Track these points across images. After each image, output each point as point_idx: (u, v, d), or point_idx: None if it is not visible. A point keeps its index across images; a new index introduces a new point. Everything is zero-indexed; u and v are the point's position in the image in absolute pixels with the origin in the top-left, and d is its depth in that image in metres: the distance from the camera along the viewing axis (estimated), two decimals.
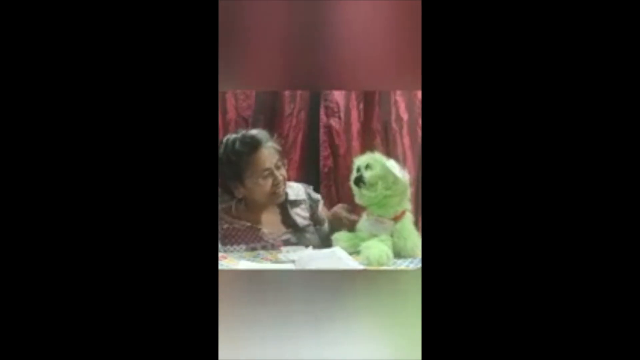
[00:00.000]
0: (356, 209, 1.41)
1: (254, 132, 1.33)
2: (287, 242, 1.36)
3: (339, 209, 1.42)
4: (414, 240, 1.20)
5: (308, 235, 1.40)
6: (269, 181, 1.29)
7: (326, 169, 1.72)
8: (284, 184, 1.34)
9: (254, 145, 1.28)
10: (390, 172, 1.20)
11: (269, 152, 1.30)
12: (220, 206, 1.34)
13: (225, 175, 1.29)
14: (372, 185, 1.21)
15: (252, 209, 1.37)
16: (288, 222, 1.39)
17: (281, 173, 1.32)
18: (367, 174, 1.21)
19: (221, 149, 1.30)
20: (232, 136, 1.33)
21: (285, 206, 1.39)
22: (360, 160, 1.26)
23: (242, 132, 1.34)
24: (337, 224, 1.39)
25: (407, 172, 1.25)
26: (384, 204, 1.22)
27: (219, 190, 1.30)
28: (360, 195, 1.24)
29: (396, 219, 1.22)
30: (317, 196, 1.50)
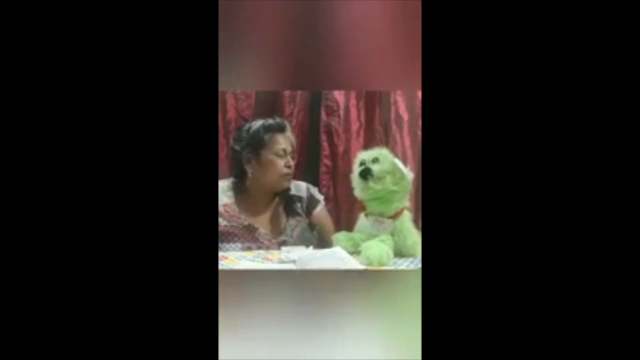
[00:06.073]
0: (354, 208, 1.40)
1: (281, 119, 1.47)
2: (282, 245, 1.36)
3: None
4: (414, 238, 1.20)
5: (304, 238, 1.42)
6: (283, 161, 1.39)
7: (325, 169, 1.72)
8: (291, 175, 1.42)
9: (282, 126, 1.43)
10: (397, 168, 1.21)
11: (287, 139, 1.43)
12: (224, 183, 1.43)
13: (249, 147, 1.39)
14: (380, 179, 1.20)
15: (255, 194, 1.42)
16: (287, 214, 1.44)
17: (291, 163, 1.41)
18: (375, 168, 1.21)
19: (255, 127, 1.41)
20: (259, 121, 1.44)
21: (286, 200, 1.45)
22: (366, 154, 1.26)
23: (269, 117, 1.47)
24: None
25: (410, 170, 1.25)
26: (387, 199, 1.22)
27: (231, 164, 1.45)
28: (364, 188, 1.22)
29: (395, 216, 1.22)
30: (319, 197, 1.51)
